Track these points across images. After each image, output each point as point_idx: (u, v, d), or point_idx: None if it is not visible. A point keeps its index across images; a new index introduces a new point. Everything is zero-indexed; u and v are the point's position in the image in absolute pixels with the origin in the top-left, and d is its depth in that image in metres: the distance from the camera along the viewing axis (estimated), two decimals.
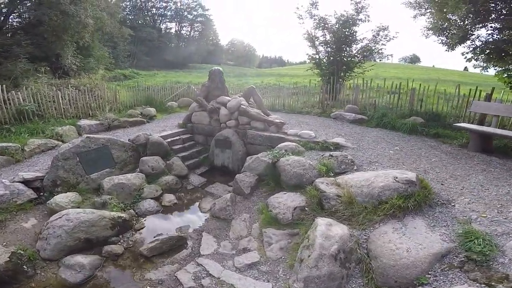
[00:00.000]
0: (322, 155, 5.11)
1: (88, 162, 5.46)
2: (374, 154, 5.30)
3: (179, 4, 42.20)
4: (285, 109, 9.62)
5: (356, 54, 10.95)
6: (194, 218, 4.95)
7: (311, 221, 3.61)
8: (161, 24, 42.65)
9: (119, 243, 4.19)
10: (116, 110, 9.68)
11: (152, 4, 40.99)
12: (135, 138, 6.46)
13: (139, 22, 39.48)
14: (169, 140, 6.98)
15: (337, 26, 10.64)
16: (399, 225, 3.18)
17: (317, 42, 11.32)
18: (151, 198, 5.33)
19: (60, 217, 3.99)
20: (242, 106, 6.64)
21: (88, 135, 5.77)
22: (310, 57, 11.54)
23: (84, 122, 7.94)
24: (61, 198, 4.70)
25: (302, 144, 5.69)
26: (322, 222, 3.24)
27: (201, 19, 44.29)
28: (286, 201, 4.07)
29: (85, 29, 12.30)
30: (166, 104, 10.80)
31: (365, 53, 10.77)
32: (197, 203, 5.46)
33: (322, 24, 10.83)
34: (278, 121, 6.49)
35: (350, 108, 8.29)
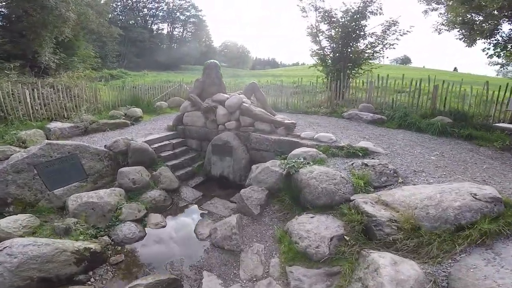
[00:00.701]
0: (351, 164, 4.06)
1: (49, 174, 4.26)
2: (415, 161, 4.26)
3: (171, 5, 41.04)
4: (288, 108, 8.56)
5: (364, 50, 9.99)
6: (189, 247, 3.77)
7: (355, 255, 2.65)
8: (152, 25, 41.35)
9: (89, 282, 3.11)
10: (96, 111, 8.43)
11: (144, 4, 39.67)
12: (112, 144, 5.26)
13: (130, 22, 38.12)
14: (156, 146, 5.80)
15: (344, 19, 9.67)
16: (490, 255, 2.37)
17: (321, 37, 10.33)
18: (132, 221, 4.15)
19: (0, 250, 2.83)
20: (244, 104, 5.55)
21: (50, 141, 4.54)
22: (314, 53, 10.53)
23: (55, 125, 6.67)
24: (7, 222, 3.51)
25: (322, 150, 4.62)
26: (384, 261, 2.22)
27: (193, 20, 43.19)
28: (317, 229, 2.98)
29: (65, 24, 11.03)
30: (155, 104, 9.58)
31: (374, 49, 9.82)
32: (192, 226, 4.29)
33: (328, 17, 9.84)
34: (288, 121, 5.39)
35: (365, 107, 7.29)
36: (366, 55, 9.97)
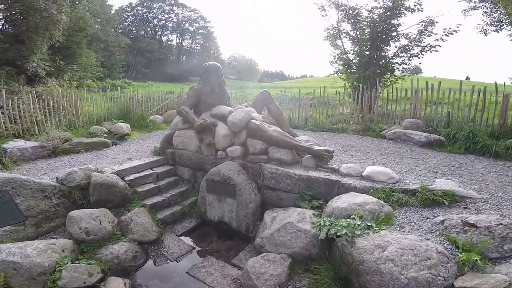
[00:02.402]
0: (441, 223, 2.44)
1: None
2: None
3: (180, 16, 40.70)
4: (308, 125, 6.87)
5: (397, 53, 8.32)
6: None
7: None
8: (162, 36, 41.13)
9: None
10: (76, 126, 7.01)
11: (154, 15, 39.46)
12: (67, 176, 3.73)
13: (141, 32, 37.95)
14: (132, 177, 4.21)
15: (373, 16, 8.07)
16: None
17: (344, 39, 8.74)
18: None
19: None
20: (253, 121, 3.90)
21: None
22: (336, 58, 8.92)
23: (14, 144, 5.23)
24: None
25: (382, 196, 2.97)
26: None
27: (202, 31, 42.71)
28: None
29: (55, 26, 9.90)
30: (149, 118, 8.10)
31: (410, 52, 8.13)
32: None
33: (353, 16, 8.26)
34: (319, 148, 3.68)
35: (413, 124, 5.55)
36: (400, 59, 8.28)
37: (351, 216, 2.66)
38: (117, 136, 6.51)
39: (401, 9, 7.91)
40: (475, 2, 8.64)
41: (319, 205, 3.27)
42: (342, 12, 8.46)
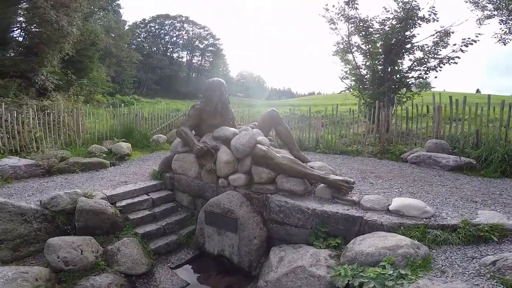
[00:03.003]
0: (492, 265, 1.98)
1: None
2: None
3: (191, 33, 41.76)
4: (319, 147, 6.36)
5: (413, 67, 7.88)
6: None
7: None
8: (173, 53, 42.14)
9: None
10: (77, 143, 6.75)
11: (166, 31, 40.61)
12: (50, 200, 3.41)
13: (153, 49, 38.97)
14: (124, 203, 3.82)
15: (385, 29, 7.73)
16: None
17: (356, 53, 8.37)
18: None
19: None
20: (259, 147, 3.44)
21: None
22: (347, 73, 8.54)
23: (8, 161, 4.99)
24: None
25: (415, 235, 2.47)
26: None
27: (211, 48, 43.55)
28: None
29: (65, 39, 9.97)
30: (152, 137, 7.78)
31: (426, 65, 7.68)
32: None
33: (364, 28, 7.93)
34: (336, 178, 3.16)
35: (437, 145, 5.01)
36: (416, 73, 7.81)
37: (380, 264, 2.16)
38: (117, 157, 6.20)
39: (415, 19, 7.51)
40: (490, 11, 8.18)
41: (336, 244, 2.76)
42: (352, 25, 8.13)
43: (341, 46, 8.44)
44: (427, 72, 7.65)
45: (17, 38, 11.77)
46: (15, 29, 11.32)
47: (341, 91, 9.18)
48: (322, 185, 3.23)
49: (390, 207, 2.83)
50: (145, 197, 4.07)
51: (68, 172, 5.17)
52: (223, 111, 4.09)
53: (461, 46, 7.13)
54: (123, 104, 8.84)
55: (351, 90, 8.61)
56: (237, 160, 3.58)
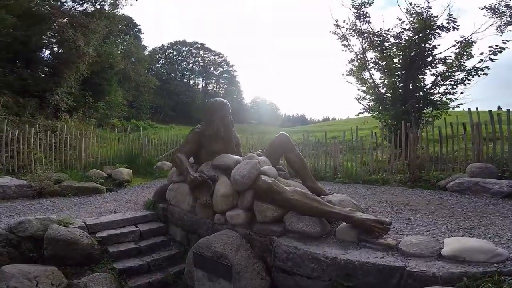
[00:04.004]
0: None
1: None
2: None
3: (206, 60, 42.96)
4: (338, 176, 5.59)
5: (437, 82, 7.18)
6: None
7: None
8: (189, 79, 43.45)
9: None
10: (78, 167, 6.43)
11: (183, 58, 42.01)
12: (17, 225, 3.01)
13: (171, 75, 40.40)
14: (106, 233, 3.31)
15: (401, 43, 7.19)
16: None
17: (373, 70, 7.82)
18: None
19: None
20: (263, 178, 2.76)
21: None
22: (367, 92, 7.95)
23: (2, 180, 4.77)
24: None
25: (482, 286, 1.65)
26: None
27: (226, 75, 44.43)
28: None
29: (80, 58, 10.20)
30: (156, 164, 7.35)
31: (453, 78, 6.99)
32: None
33: (379, 43, 7.43)
34: (366, 217, 2.38)
35: (481, 169, 4.18)
36: (442, 88, 7.13)
37: None
38: (115, 183, 5.81)
39: (434, 28, 6.95)
40: (510, 16, 7.43)
41: None
42: (366, 40, 7.68)
43: (356, 64, 7.98)
44: (454, 86, 6.94)
45: (45, 59, 12.30)
46: (43, 49, 11.85)
47: (359, 113, 8.55)
48: (344, 224, 2.51)
49: (443, 252, 2.07)
50: (132, 228, 3.52)
51: (60, 195, 4.88)
52: (226, 135, 3.51)
53: (490, 54, 6.50)
54: (128, 129, 8.51)
55: (370, 112, 7.97)
56: (236, 193, 2.93)
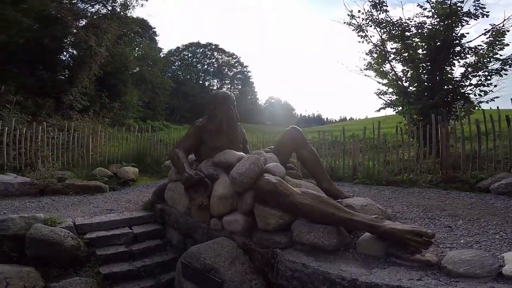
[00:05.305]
0: None
1: None
2: None
3: (220, 61, 42.99)
4: (358, 176, 5.00)
5: (468, 74, 6.42)
6: None
7: None
8: (204, 81, 43.79)
9: None
10: (84, 165, 6.31)
11: (198, 60, 42.25)
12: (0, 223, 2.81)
13: (187, 77, 40.88)
14: (95, 235, 3.03)
15: (425, 32, 6.50)
16: None
17: (394, 62, 7.12)
18: None
19: None
20: (266, 177, 2.28)
21: None
22: (389, 84, 7.28)
23: (3, 177, 4.71)
24: None
25: None
26: None
27: (240, 76, 44.33)
28: None
29: (92, 58, 10.25)
30: (164, 163, 7.15)
31: (487, 69, 6.24)
32: None
33: (400, 31, 6.76)
34: (398, 227, 1.87)
35: None
36: (475, 79, 6.37)
37: None
38: (120, 181, 5.62)
39: (460, 14, 6.21)
40: None
41: None
42: (384, 30, 7.04)
43: (375, 56, 7.33)
44: (489, 77, 6.17)
45: (65, 62, 12.61)
46: (63, 52, 12.16)
47: (379, 109, 7.80)
48: (368, 235, 2.00)
49: (505, 270, 1.55)
50: (125, 230, 3.22)
51: (62, 193, 4.73)
52: (230, 130, 3.09)
53: None
54: (137, 127, 8.39)
55: (392, 107, 7.29)
56: (236, 195, 2.48)
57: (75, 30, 9.93)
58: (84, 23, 11.10)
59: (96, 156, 6.71)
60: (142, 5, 13.48)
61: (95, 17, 11.17)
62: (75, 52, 10.72)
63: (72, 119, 9.24)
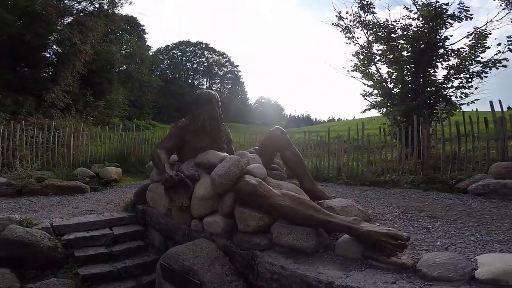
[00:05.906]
0: None
1: None
2: None
3: (210, 60, 42.63)
4: (342, 177, 5.07)
5: (450, 76, 6.63)
6: None
7: None
8: (194, 80, 43.29)
9: None
10: (65, 165, 6.10)
11: (187, 59, 41.72)
12: None
13: (176, 76, 40.29)
14: (73, 236, 2.96)
15: (410, 34, 6.68)
16: None
17: (380, 64, 7.30)
18: None
19: None
20: (246, 179, 2.27)
21: None
22: (374, 86, 7.42)
23: None
24: None
25: None
26: None
27: (230, 75, 44.06)
28: None
29: (76, 56, 9.95)
30: (149, 163, 7.01)
31: (468, 72, 6.45)
32: None
33: (386, 33, 6.92)
34: (375, 230, 1.93)
35: (508, 168, 3.59)
36: (456, 82, 6.60)
37: None
38: (102, 182, 5.46)
39: (445, 16, 6.40)
40: None
41: None
42: (371, 32, 7.20)
43: (361, 57, 7.46)
44: (470, 80, 6.37)
45: (50, 59, 12.17)
46: (47, 49, 11.72)
47: (365, 110, 7.95)
48: (347, 236, 2.03)
49: (478, 274, 1.59)
50: (105, 231, 3.15)
51: (41, 194, 4.56)
52: (213, 130, 3.05)
53: (509, 45, 5.96)
54: (121, 126, 8.20)
55: (377, 108, 7.43)
56: (216, 196, 2.47)
57: (59, 27, 9.59)
58: (69, 20, 10.75)
59: (77, 156, 6.51)
60: (130, 3, 13.17)
61: (81, 14, 10.82)
62: (59, 49, 10.36)
63: (54, 118, 8.94)
